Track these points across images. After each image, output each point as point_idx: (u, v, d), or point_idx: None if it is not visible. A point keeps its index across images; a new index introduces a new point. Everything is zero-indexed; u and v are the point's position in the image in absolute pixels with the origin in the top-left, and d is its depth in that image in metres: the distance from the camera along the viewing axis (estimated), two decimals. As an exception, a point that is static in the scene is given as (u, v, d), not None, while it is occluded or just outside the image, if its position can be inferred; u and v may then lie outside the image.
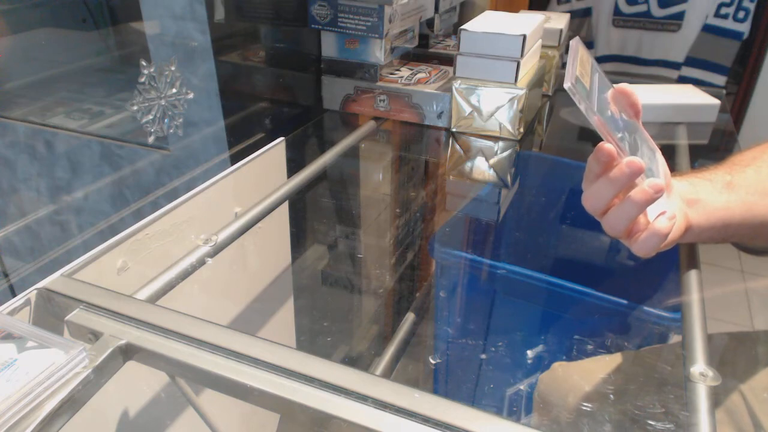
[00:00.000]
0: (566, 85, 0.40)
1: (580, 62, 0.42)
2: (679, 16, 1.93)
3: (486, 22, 0.86)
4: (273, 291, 0.82)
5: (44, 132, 0.81)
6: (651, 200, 0.43)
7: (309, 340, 0.94)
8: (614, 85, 0.47)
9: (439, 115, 0.89)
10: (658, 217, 0.45)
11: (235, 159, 0.72)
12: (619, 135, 0.43)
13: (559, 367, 0.64)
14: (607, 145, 0.42)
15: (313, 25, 0.88)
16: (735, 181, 0.50)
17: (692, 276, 0.52)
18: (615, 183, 0.43)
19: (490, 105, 0.85)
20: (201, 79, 0.72)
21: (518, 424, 0.34)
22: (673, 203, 0.48)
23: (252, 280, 0.77)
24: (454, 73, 0.86)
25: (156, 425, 0.62)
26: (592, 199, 0.45)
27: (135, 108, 0.66)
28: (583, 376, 0.60)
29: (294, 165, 0.77)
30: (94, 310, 0.42)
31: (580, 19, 2.06)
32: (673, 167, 0.78)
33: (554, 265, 0.95)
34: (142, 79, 0.65)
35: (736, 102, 1.97)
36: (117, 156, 0.78)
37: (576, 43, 0.44)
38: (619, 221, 0.45)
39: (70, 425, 0.35)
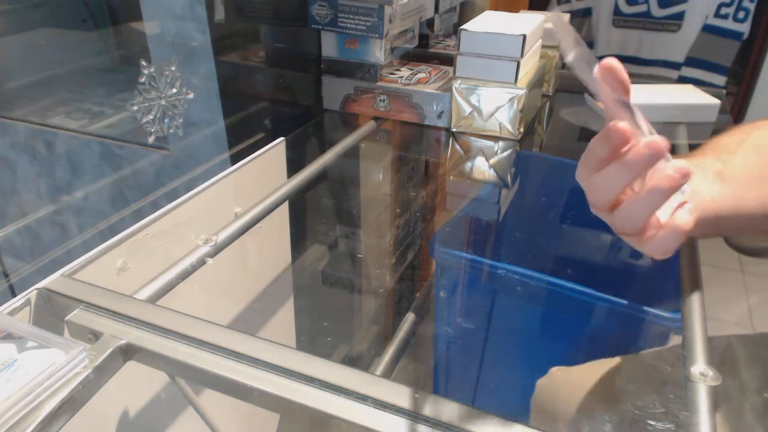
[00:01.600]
0: (568, 59, 0.35)
1: (570, 35, 0.37)
2: (679, 16, 1.93)
3: (486, 22, 0.86)
4: (273, 291, 0.82)
5: (44, 132, 0.81)
6: (677, 187, 0.36)
7: (309, 340, 0.94)
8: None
9: (439, 115, 0.89)
10: (677, 209, 0.39)
11: (235, 159, 0.72)
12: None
13: (558, 372, 0.63)
14: (621, 124, 0.35)
15: (313, 25, 0.88)
16: (726, 170, 0.46)
17: (692, 276, 0.52)
18: (631, 168, 0.36)
19: (490, 105, 0.85)
20: (201, 79, 0.72)
21: (518, 423, 0.34)
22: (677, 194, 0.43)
23: (252, 280, 0.77)
24: (454, 73, 0.86)
25: (156, 425, 0.62)
26: (599, 189, 0.38)
27: (135, 108, 0.66)
28: (581, 380, 0.60)
29: (294, 165, 0.77)
30: (94, 310, 0.42)
31: (580, 19, 2.06)
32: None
33: (554, 265, 0.95)
34: (142, 79, 0.65)
35: (736, 102, 1.97)
36: (117, 156, 0.79)
37: (557, 17, 0.40)
38: (637, 215, 0.38)
39: (70, 425, 0.35)
